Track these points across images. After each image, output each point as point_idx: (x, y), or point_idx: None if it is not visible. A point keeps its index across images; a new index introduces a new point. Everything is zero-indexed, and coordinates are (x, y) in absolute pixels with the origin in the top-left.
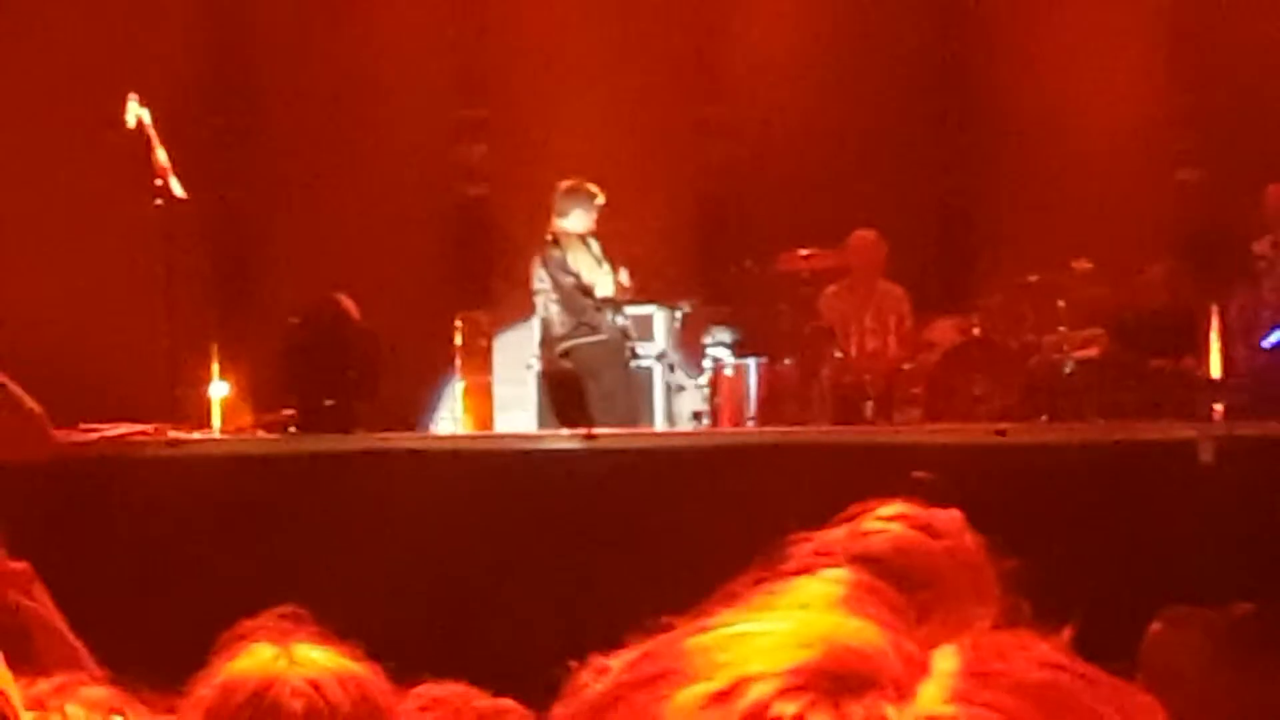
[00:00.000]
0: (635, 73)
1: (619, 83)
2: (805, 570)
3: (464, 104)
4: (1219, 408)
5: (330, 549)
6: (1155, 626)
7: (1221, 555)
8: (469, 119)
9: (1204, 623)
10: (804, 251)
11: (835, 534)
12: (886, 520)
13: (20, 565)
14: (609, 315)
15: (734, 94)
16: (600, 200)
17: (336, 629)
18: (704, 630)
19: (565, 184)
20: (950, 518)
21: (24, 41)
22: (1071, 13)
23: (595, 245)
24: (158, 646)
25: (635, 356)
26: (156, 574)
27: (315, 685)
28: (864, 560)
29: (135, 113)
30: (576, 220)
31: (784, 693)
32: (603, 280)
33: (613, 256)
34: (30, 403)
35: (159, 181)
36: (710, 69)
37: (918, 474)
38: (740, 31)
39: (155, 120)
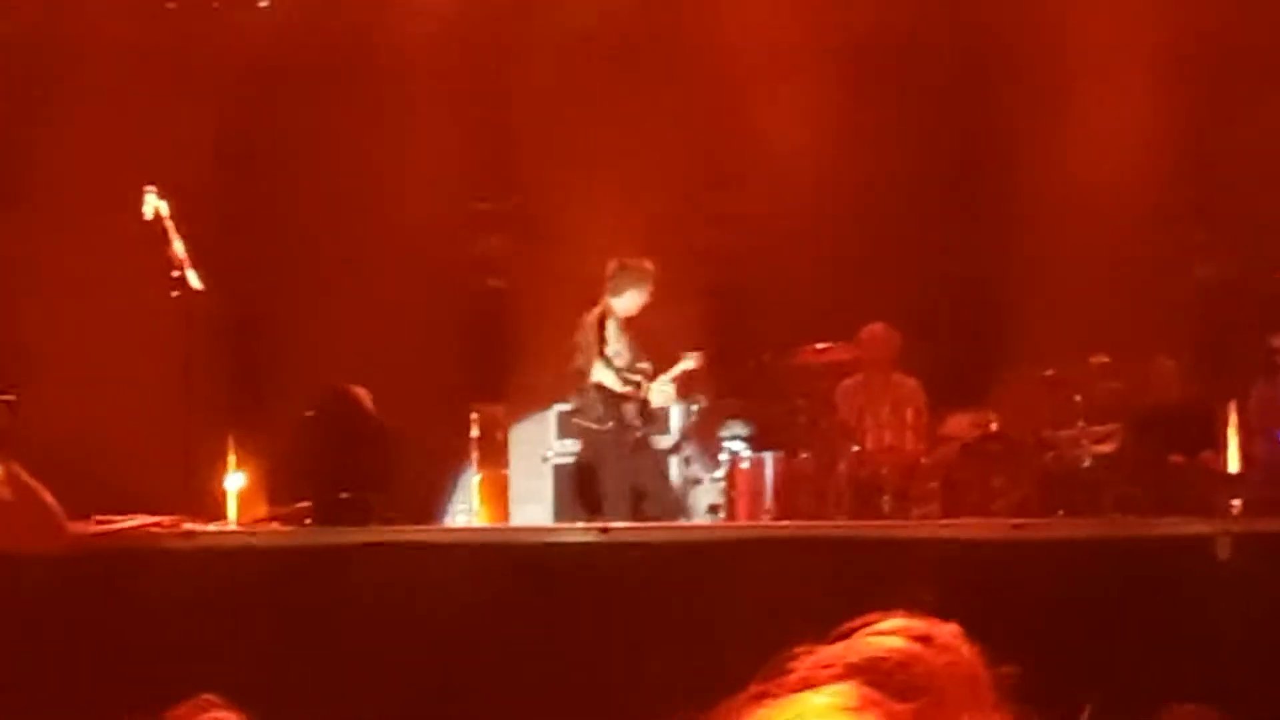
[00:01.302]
0: (652, 167)
1: (635, 177)
2: (806, 683)
3: (481, 197)
4: (1237, 503)
5: (345, 642)
6: None
7: (1238, 651)
8: (486, 212)
9: None
10: (820, 345)
11: (835, 648)
12: (885, 633)
13: None
14: (601, 405)
15: (750, 188)
16: (650, 270)
17: None
18: None
19: (619, 262)
20: (949, 630)
21: (44, 133)
22: (1088, 106)
23: (612, 329)
24: None
25: (636, 447)
26: (170, 666)
27: None
28: (863, 672)
29: (153, 204)
30: (629, 299)
31: None
32: (598, 369)
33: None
34: (46, 495)
35: (176, 273)
36: (726, 163)
37: (924, 594)
38: (756, 125)
39: (173, 212)
